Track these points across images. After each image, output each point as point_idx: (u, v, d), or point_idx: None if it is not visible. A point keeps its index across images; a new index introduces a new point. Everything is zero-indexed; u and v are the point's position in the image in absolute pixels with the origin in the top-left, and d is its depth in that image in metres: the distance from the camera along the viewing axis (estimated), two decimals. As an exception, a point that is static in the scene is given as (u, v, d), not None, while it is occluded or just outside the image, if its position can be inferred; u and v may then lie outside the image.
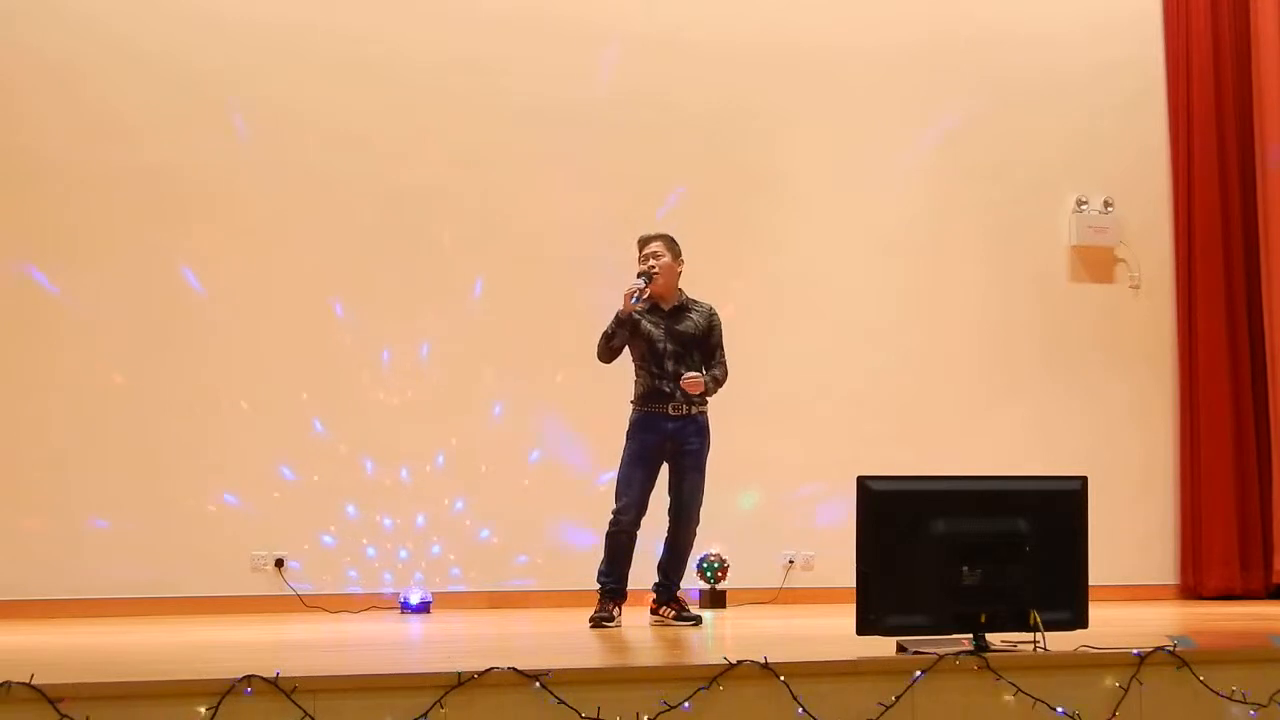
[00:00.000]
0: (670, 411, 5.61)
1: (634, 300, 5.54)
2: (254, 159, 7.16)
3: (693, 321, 5.71)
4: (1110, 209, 8.16)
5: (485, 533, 7.23)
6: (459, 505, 7.22)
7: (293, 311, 7.12)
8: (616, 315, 5.56)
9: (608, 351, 5.63)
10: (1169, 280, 8.21)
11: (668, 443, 5.62)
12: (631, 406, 5.70)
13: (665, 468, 5.70)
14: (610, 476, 5.86)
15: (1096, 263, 8.18)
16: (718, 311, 5.84)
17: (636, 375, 5.70)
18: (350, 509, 7.09)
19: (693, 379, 5.56)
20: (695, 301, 5.78)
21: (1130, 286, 8.20)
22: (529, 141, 7.45)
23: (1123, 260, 8.23)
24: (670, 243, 5.72)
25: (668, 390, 5.60)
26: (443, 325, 7.29)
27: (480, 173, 7.38)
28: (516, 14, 7.49)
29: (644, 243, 5.73)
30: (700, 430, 5.68)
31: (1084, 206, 8.14)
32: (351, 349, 7.18)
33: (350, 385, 7.16)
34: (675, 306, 5.69)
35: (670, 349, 5.63)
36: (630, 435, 5.66)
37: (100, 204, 6.97)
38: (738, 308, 7.51)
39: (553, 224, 7.41)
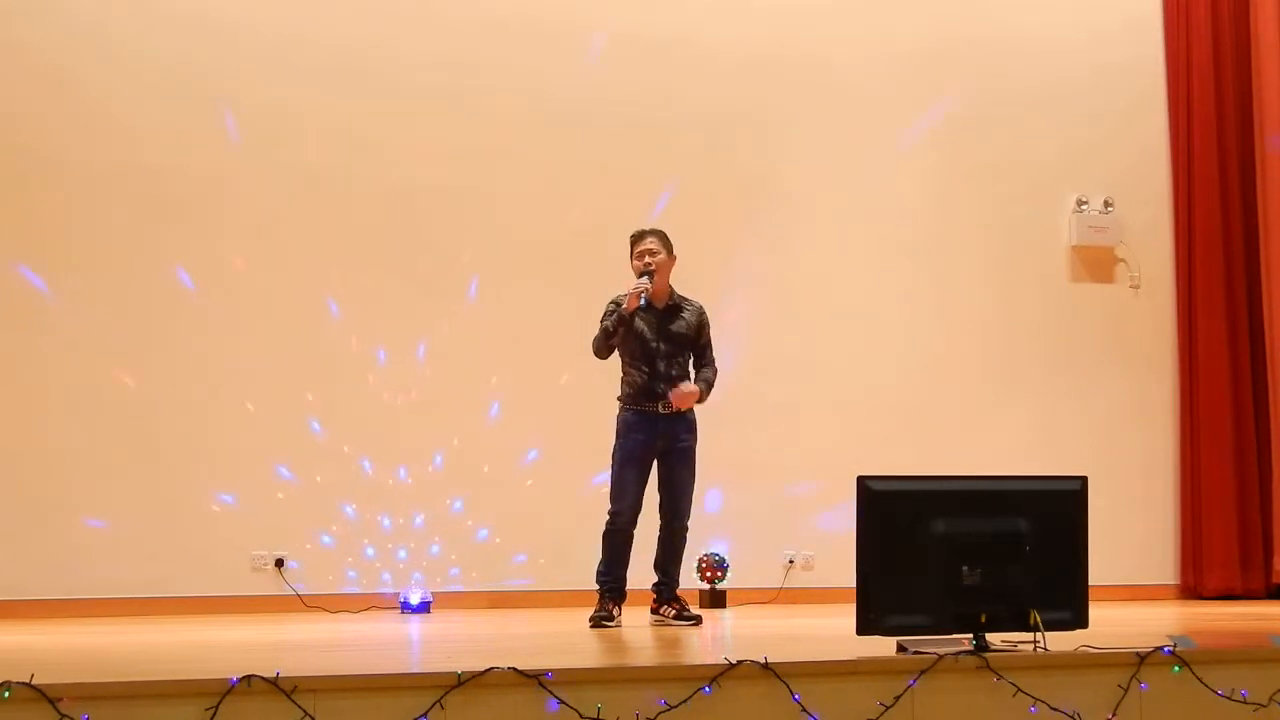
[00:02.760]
0: (661, 410, 5.60)
1: (642, 301, 5.52)
2: (251, 160, 7.17)
3: (685, 321, 5.70)
4: (1110, 209, 8.16)
5: (484, 532, 7.23)
6: (458, 505, 7.22)
7: (292, 312, 7.13)
8: (618, 313, 5.54)
9: (606, 348, 5.62)
10: (1169, 280, 8.22)
11: (659, 440, 5.61)
12: (619, 404, 5.69)
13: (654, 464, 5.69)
14: (609, 475, 5.86)
15: (1096, 263, 8.18)
16: (706, 309, 5.82)
17: (625, 373, 5.68)
18: (350, 509, 7.10)
19: (684, 393, 5.55)
20: (686, 299, 5.77)
21: (1130, 286, 8.21)
22: (526, 143, 7.46)
23: (1123, 260, 8.23)
24: (664, 239, 5.69)
25: (660, 390, 5.59)
26: (441, 325, 7.30)
27: (477, 174, 7.39)
28: (514, 16, 7.50)
29: (638, 238, 5.69)
30: (691, 427, 5.67)
31: (1084, 206, 8.14)
32: (350, 349, 7.19)
33: (350, 385, 7.16)
34: (668, 305, 5.67)
35: (662, 348, 5.61)
36: (621, 434, 5.64)
37: (98, 204, 6.97)
38: (738, 308, 7.53)
39: (551, 224, 7.42)
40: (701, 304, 5.80)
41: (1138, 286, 8.22)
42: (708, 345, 5.78)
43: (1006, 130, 8.10)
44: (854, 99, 7.91)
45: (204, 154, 7.11)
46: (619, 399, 5.71)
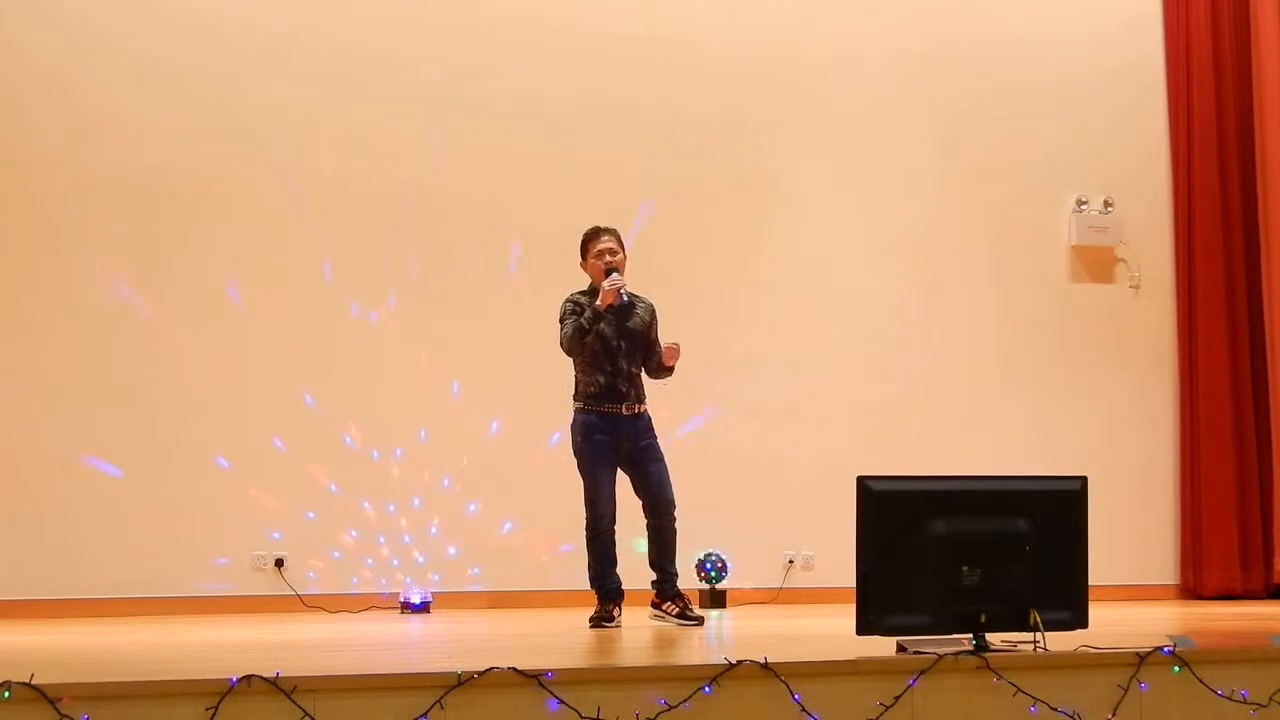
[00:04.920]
0: (624, 411, 5.59)
1: (623, 298, 5.53)
2: (252, 160, 7.17)
3: (639, 318, 5.70)
4: (1110, 209, 8.16)
5: (486, 533, 7.23)
6: (460, 506, 7.22)
7: (294, 311, 7.13)
8: (594, 310, 5.53)
9: (581, 345, 5.59)
10: (1169, 280, 8.22)
11: (624, 442, 5.60)
12: (576, 405, 5.65)
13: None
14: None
15: (1096, 263, 8.18)
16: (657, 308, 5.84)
17: (583, 374, 5.64)
18: (350, 509, 7.09)
19: (673, 348, 5.62)
20: (637, 296, 5.74)
21: (1130, 286, 8.21)
22: (528, 144, 7.46)
23: (1123, 260, 8.23)
24: (620, 239, 5.71)
25: (623, 389, 5.59)
26: (444, 325, 7.30)
27: (480, 175, 7.39)
28: (515, 18, 7.50)
29: (595, 236, 5.68)
30: (649, 425, 5.67)
31: (1084, 206, 8.14)
32: (353, 349, 7.18)
33: (353, 385, 7.16)
34: (624, 303, 5.65)
35: (623, 346, 5.62)
36: (585, 437, 5.59)
37: (99, 205, 6.98)
38: (739, 308, 7.54)
39: (553, 225, 7.40)
40: (651, 301, 5.80)
41: (1138, 286, 8.21)
42: (656, 340, 5.78)
43: (1006, 130, 8.10)
44: (854, 99, 7.91)
45: (204, 155, 7.11)
46: (576, 399, 5.66)
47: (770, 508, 7.48)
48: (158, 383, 6.94)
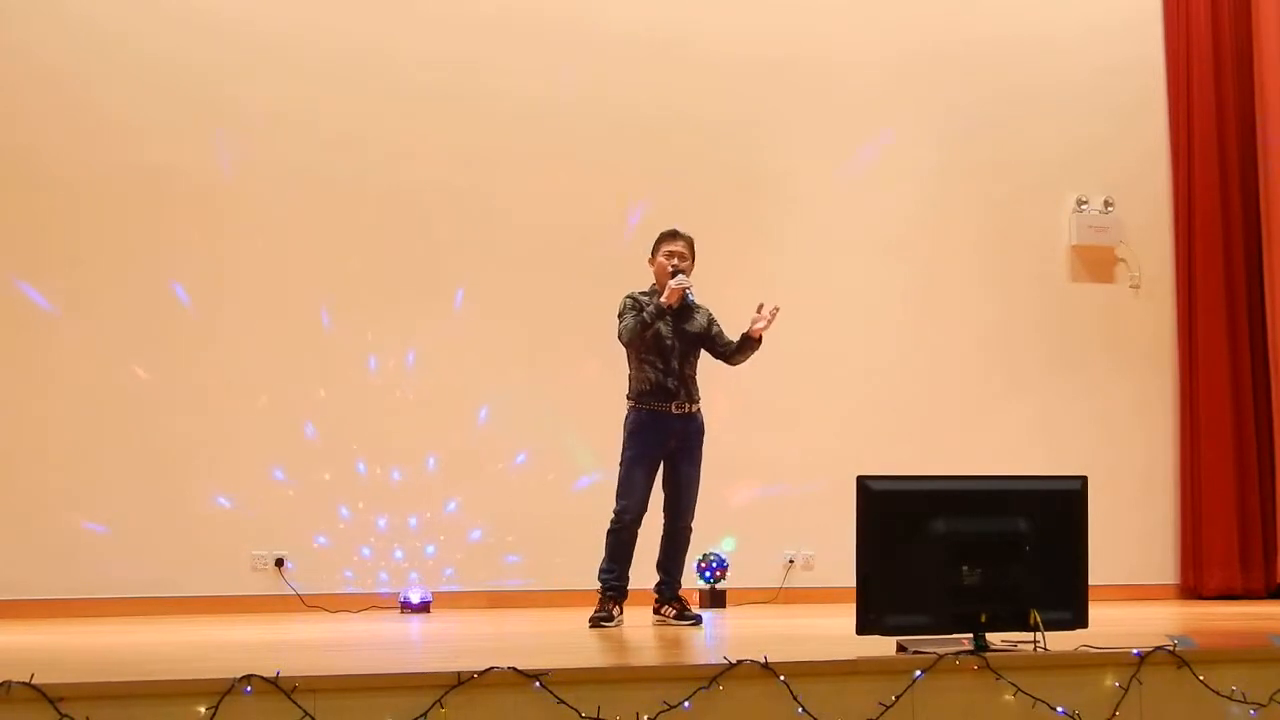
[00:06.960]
0: (674, 410, 5.62)
1: (689, 297, 5.58)
2: (250, 161, 7.17)
3: (697, 322, 5.75)
4: (1110, 209, 8.17)
5: (484, 532, 7.23)
6: (458, 505, 7.22)
7: (290, 312, 7.14)
8: (658, 306, 5.58)
9: (641, 340, 5.60)
10: (1169, 280, 8.22)
11: (672, 440, 5.62)
12: (629, 403, 5.68)
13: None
14: (603, 476, 5.86)
15: (1096, 263, 8.18)
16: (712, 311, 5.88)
17: (636, 371, 5.68)
18: (349, 509, 7.10)
19: (764, 325, 5.67)
20: (697, 304, 5.78)
21: (1130, 286, 8.21)
22: (526, 144, 7.46)
23: (1123, 260, 8.24)
24: (693, 249, 5.77)
25: (672, 387, 5.61)
26: (440, 326, 7.30)
27: (476, 175, 7.40)
28: (516, 18, 7.51)
29: (672, 238, 5.74)
30: (701, 429, 5.70)
31: (1084, 206, 8.14)
32: (348, 349, 7.19)
33: (348, 386, 7.16)
34: (683, 306, 5.69)
35: (678, 347, 5.65)
36: (633, 434, 5.63)
37: (97, 207, 6.98)
38: (739, 308, 7.50)
39: (552, 225, 7.42)
40: (708, 308, 5.85)
41: (1138, 286, 8.22)
42: (720, 330, 5.84)
43: (1006, 130, 8.10)
44: (854, 99, 7.91)
45: (204, 156, 7.11)
46: (629, 398, 5.69)
47: (770, 508, 7.48)
48: (158, 379, 6.94)
